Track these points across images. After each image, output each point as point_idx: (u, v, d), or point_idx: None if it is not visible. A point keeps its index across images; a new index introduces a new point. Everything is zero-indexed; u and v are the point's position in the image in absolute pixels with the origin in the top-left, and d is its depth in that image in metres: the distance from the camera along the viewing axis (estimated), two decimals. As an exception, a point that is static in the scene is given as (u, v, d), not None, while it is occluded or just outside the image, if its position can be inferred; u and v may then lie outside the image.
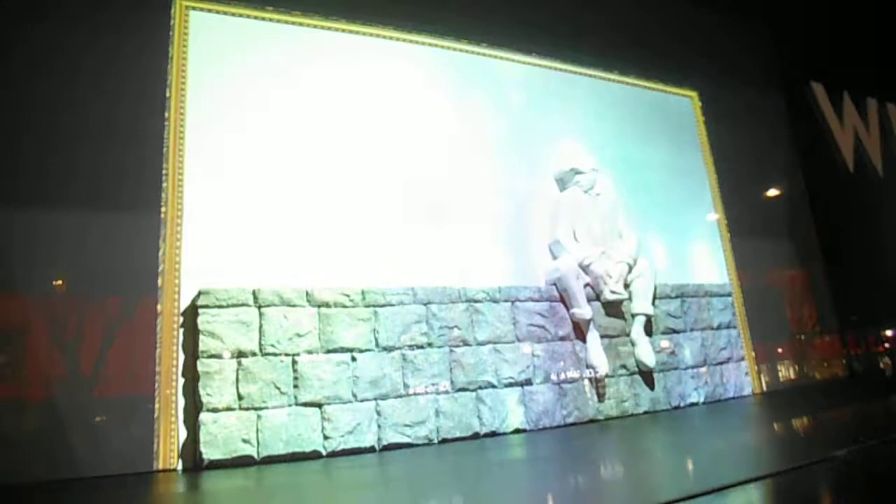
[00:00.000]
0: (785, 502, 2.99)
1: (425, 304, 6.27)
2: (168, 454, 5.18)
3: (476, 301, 6.57)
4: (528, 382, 6.59)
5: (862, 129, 11.47)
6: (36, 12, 5.62)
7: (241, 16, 6.55)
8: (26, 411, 5.04)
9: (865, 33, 10.38)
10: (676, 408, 7.43)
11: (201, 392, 5.17)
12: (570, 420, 6.67)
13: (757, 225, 9.72)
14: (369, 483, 4.51)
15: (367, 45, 7.22)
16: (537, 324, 6.84)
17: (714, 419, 6.83)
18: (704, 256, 8.91)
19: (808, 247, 10.50)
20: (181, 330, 5.46)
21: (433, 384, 6.06)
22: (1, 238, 5.10)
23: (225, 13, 6.49)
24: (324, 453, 5.42)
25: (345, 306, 5.91)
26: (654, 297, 7.59)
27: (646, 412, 7.16)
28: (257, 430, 5.24)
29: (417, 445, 5.77)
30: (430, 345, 6.18)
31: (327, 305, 5.84)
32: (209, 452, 5.05)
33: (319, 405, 5.54)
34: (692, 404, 7.59)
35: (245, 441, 5.18)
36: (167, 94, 5.97)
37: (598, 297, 7.26)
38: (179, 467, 5.16)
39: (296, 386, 5.49)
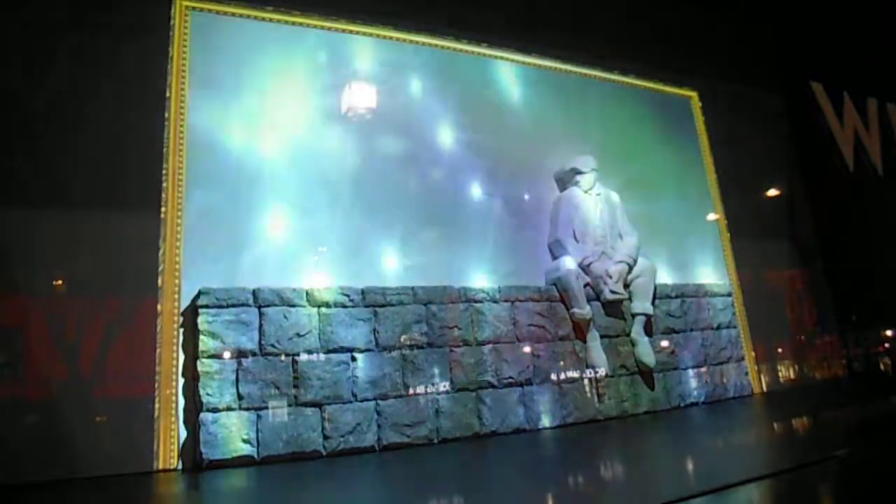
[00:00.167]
0: (785, 502, 2.99)
1: (425, 304, 6.27)
2: (168, 454, 5.18)
3: (476, 301, 6.57)
4: (528, 382, 6.59)
5: (862, 129, 11.45)
6: (36, 12, 5.62)
7: (241, 16, 6.55)
8: (26, 411, 5.04)
9: (865, 33, 10.37)
10: (676, 408, 7.43)
11: (201, 392, 5.16)
12: (570, 420, 6.67)
13: (757, 225, 9.72)
14: (369, 483, 4.51)
15: (367, 45, 7.22)
16: (537, 324, 6.84)
17: (714, 419, 6.83)
18: (704, 256, 8.91)
19: (808, 247, 10.49)
20: (181, 330, 5.46)
21: (433, 384, 6.06)
22: (1, 238, 5.09)
23: (225, 13, 6.49)
24: (324, 453, 5.42)
25: (345, 306, 5.91)
26: (654, 297, 7.59)
27: (646, 412, 7.16)
28: (257, 430, 5.24)
29: (417, 445, 5.77)
30: (430, 345, 6.18)
31: (327, 305, 5.84)
32: (209, 452, 5.05)
33: (319, 405, 5.54)
34: (692, 404, 7.59)
35: (245, 441, 5.18)
36: (167, 94, 5.97)
37: (598, 297, 7.26)
38: (179, 467, 5.16)
39: (296, 386, 5.49)
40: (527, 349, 6.70)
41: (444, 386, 6.10)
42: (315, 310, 5.78)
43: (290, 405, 5.42)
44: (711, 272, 8.81)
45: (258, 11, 6.64)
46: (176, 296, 5.52)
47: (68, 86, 5.57)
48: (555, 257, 7.45)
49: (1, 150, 5.25)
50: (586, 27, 8.47)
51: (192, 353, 5.34)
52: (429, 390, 6.02)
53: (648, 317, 7.46)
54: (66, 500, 4.37)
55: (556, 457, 5.12)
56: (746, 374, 8.39)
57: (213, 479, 4.75)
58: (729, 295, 8.57)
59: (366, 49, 7.19)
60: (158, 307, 5.46)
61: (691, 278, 8.30)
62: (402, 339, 6.06)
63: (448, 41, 7.77)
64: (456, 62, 7.76)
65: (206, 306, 5.38)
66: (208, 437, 5.08)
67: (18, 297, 5.19)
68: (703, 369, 7.89)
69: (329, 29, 7.02)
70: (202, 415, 5.13)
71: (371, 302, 6.02)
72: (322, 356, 5.67)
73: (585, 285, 7.19)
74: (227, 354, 5.34)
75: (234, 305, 5.47)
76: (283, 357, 5.53)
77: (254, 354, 5.43)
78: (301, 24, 6.88)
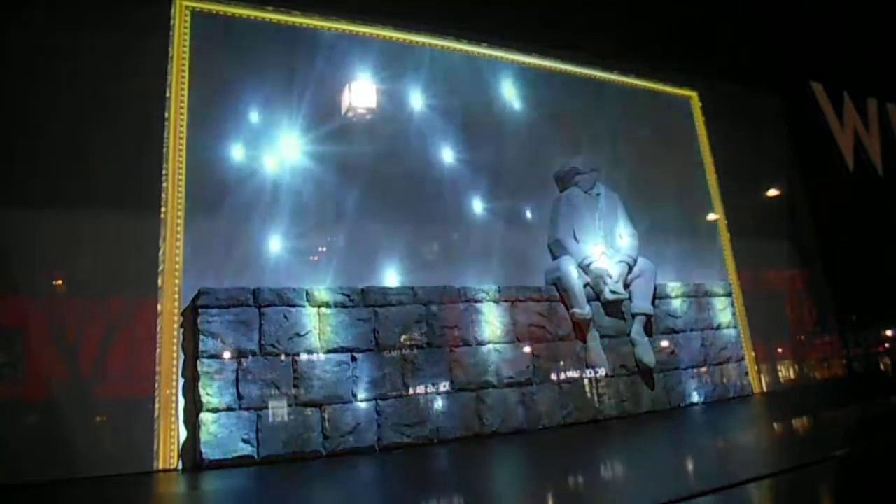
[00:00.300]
0: (785, 502, 2.99)
1: (425, 304, 6.27)
2: (168, 454, 5.18)
3: (476, 301, 6.57)
4: (528, 382, 6.59)
5: (862, 129, 11.46)
6: (35, 12, 5.62)
7: (241, 16, 6.55)
8: (26, 411, 5.04)
9: (865, 33, 10.37)
10: (676, 408, 7.42)
11: (201, 392, 5.16)
12: (570, 420, 6.66)
13: (757, 225, 9.72)
14: (370, 483, 4.51)
15: (367, 46, 7.22)
16: (537, 324, 6.84)
17: (714, 419, 6.82)
18: (704, 256, 8.91)
19: (808, 247, 10.49)
20: (181, 330, 5.46)
21: (433, 384, 6.06)
22: (1, 238, 5.10)
23: (225, 13, 6.49)
24: (324, 453, 5.42)
25: (345, 306, 5.91)
26: (654, 297, 7.59)
27: (646, 412, 7.15)
28: (257, 430, 5.24)
29: (417, 445, 5.77)
30: (429, 345, 6.17)
31: (327, 305, 5.84)
32: (209, 452, 5.05)
33: (319, 405, 5.54)
34: (692, 404, 7.59)
35: (245, 441, 5.18)
36: (167, 94, 5.97)
37: (598, 297, 7.26)
38: (179, 467, 5.16)
39: (296, 386, 5.49)
40: (527, 349, 6.69)
41: (444, 386, 6.10)
42: (315, 310, 5.77)
43: (290, 405, 5.42)
44: (711, 272, 8.81)
45: (258, 11, 6.64)
46: (176, 296, 5.52)
47: (68, 86, 5.58)
48: (555, 257, 7.45)
49: (1, 150, 5.25)
50: (586, 27, 8.48)
51: (192, 353, 5.34)
52: (429, 390, 6.02)
53: (648, 317, 7.45)
54: (66, 500, 4.37)
55: (557, 457, 5.12)
56: (746, 374, 8.39)
57: (213, 479, 4.74)
58: (729, 295, 8.57)
59: (366, 49, 7.19)
60: (158, 307, 5.47)
61: (691, 278, 8.30)
62: (402, 339, 6.05)
63: (448, 41, 7.78)
64: (457, 61, 7.76)
65: (206, 306, 5.38)
66: (208, 437, 5.08)
67: (18, 297, 5.19)
68: (704, 369, 7.88)
69: (329, 29, 7.02)
70: (202, 415, 5.13)
71: (371, 302, 6.02)
72: (322, 356, 5.67)
73: (585, 285, 7.19)
74: (227, 354, 5.34)
75: (234, 305, 5.47)
76: (283, 357, 5.53)
77: (254, 354, 5.43)
78: (301, 24, 6.88)
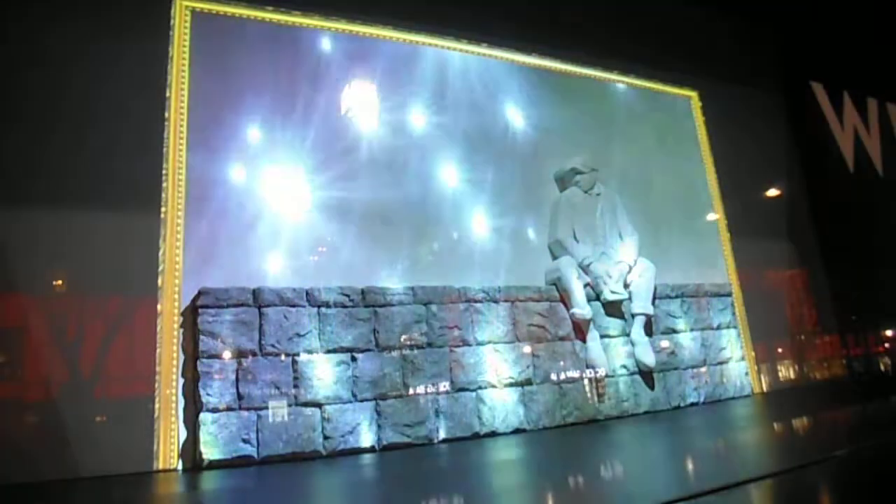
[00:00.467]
0: (785, 502, 2.99)
1: (425, 304, 6.27)
2: (168, 454, 5.18)
3: (476, 301, 6.57)
4: (528, 382, 6.59)
5: (862, 129, 11.45)
6: (35, 12, 5.62)
7: (241, 16, 6.55)
8: (26, 411, 5.04)
9: (865, 33, 10.36)
10: (676, 408, 7.42)
11: (201, 392, 5.16)
12: (570, 420, 6.67)
13: (757, 225, 9.72)
14: (369, 483, 4.51)
15: (367, 46, 7.22)
16: (537, 324, 6.84)
17: (714, 419, 6.82)
18: (704, 256, 8.91)
19: (808, 247, 10.49)
20: (181, 330, 5.46)
21: (433, 384, 6.06)
22: (1, 238, 5.09)
23: (225, 13, 6.49)
24: (324, 453, 5.42)
25: (345, 306, 5.91)
26: (654, 297, 7.59)
27: (646, 412, 7.15)
28: (257, 430, 5.24)
29: (417, 445, 5.77)
30: (430, 345, 6.17)
31: (327, 305, 5.83)
32: (209, 452, 5.05)
33: (319, 405, 5.54)
34: (692, 404, 7.59)
35: (245, 441, 5.18)
36: (167, 95, 5.97)
37: (598, 297, 7.26)
38: (179, 467, 5.16)
39: (296, 386, 5.49)
40: (527, 349, 6.69)
41: (444, 386, 6.10)
42: (315, 310, 5.77)
43: (290, 405, 5.42)
44: (711, 272, 8.80)
45: (258, 11, 6.64)
46: (176, 296, 5.52)
47: (68, 86, 5.57)
48: (555, 257, 7.45)
49: (1, 150, 5.25)
50: (586, 27, 8.47)
51: (192, 353, 5.34)
52: (429, 390, 6.02)
53: (648, 317, 7.45)
54: (66, 501, 4.37)
55: (557, 457, 5.11)
56: (746, 374, 8.39)
57: (213, 479, 4.74)
58: (729, 295, 8.57)
59: (366, 49, 7.19)
60: (158, 307, 5.46)
61: (691, 278, 8.30)
62: (402, 339, 6.06)
63: (448, 41, 7.78)
64: (457, 61, 7.76)
65: (206, 306, 5.38)
66: (208, 437, 5.08)
67: (18, 297, 5.19)
68: (703, 369, 7.88)
69: (329, 29, 7.02)
70: (202, 415, 5.13)
71: (371, 302, 6.02)
72: (322, 356, 5.67)
73: (585, 285, 7.19)
74: (227, 354, 5.34)
75: (234, 305, 5.47)
76: (283, 357, 5.53)
77: (254, 354, 5.43)
78: (301, 24, 6.88)
